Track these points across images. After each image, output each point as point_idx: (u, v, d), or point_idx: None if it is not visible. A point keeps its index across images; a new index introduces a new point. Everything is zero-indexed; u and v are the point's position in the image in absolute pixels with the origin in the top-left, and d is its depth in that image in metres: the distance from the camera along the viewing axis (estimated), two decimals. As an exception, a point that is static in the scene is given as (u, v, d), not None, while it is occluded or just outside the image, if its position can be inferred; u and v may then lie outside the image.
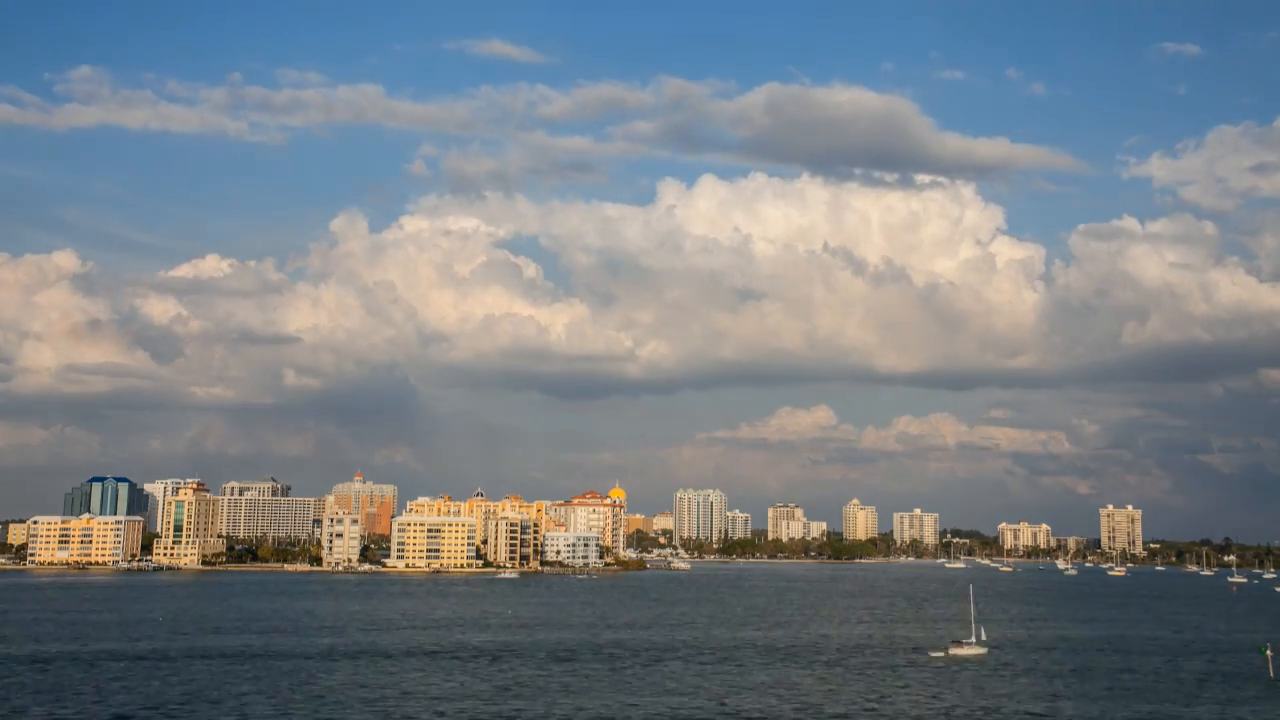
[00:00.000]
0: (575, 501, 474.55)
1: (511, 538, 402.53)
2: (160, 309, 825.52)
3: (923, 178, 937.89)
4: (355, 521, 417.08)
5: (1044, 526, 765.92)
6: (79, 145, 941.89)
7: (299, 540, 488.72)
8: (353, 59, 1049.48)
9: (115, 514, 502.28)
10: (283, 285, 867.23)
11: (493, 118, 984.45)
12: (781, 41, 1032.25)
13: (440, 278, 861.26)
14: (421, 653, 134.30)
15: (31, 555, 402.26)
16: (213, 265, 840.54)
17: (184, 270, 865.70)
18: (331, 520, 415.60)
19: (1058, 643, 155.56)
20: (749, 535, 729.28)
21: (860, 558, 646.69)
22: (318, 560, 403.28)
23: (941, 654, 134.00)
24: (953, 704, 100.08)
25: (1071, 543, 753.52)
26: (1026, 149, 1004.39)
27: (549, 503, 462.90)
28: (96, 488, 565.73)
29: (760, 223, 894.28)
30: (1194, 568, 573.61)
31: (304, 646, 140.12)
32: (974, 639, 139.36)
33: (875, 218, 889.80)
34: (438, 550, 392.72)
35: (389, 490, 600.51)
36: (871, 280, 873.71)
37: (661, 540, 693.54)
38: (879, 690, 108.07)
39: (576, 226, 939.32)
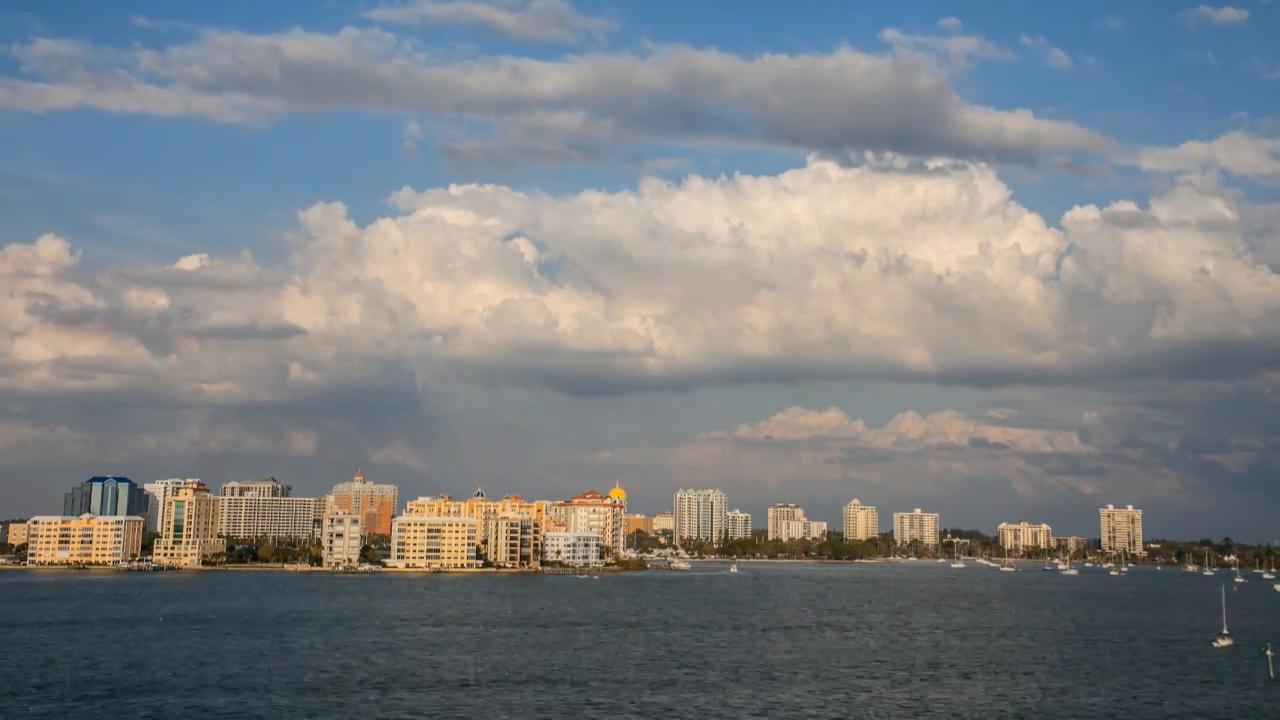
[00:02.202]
0: (575, 501, 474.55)
1: (512, 538, 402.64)
2: (155, 302, 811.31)
3: (940, 161, 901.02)
4: (355, 521, 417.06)
5: (1044, 526, 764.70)
6: (59, 129, 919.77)
7: (299, 540, 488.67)
8: (334, 29, 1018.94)
9: (115, 514, 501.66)
10: (278, 279, 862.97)
11: (484, 95, 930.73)
12: (782, 9, 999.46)
13: (437, 270, 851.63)
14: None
15: (32, 555, 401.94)
16: (206, 257, 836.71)
17: (177, 263, 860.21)
18: (332, 520, 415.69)
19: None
20: (749, 535, 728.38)
21: (861, 558, 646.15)
22: (318, 560, 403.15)
23: (1215, 644, 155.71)
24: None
25: (1071, 543, 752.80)
26: (1048, 125, 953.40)
27: (549, 503, 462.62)
28: (96, 488, 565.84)
29: (768, 215, 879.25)
30: (1193, 568, 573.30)
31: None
32: (1227, 632, 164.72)
33: (890, 207, 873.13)
34: (438, 550, 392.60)
35: (389, 490, 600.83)
36: (889, 273, 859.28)
37: (661, 540, 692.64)
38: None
39: (574, 219, 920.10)
